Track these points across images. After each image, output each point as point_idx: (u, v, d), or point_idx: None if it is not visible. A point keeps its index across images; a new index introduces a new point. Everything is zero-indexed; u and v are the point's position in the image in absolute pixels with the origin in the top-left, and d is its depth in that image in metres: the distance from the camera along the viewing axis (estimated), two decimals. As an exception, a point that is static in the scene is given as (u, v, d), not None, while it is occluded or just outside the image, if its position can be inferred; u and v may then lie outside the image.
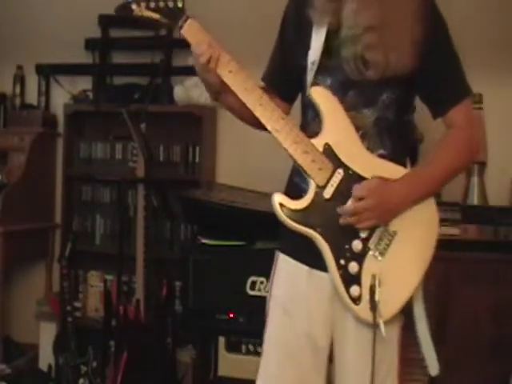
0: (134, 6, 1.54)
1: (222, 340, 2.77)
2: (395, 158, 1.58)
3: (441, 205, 2.75)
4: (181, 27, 1.54)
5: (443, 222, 2.67)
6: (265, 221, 2.64)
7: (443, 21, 1.59)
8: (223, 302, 2.73)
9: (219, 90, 1.62)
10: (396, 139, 1.59)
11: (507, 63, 3.13)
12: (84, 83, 3.67)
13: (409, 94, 1.61)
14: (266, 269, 2.67)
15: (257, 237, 2.73)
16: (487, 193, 3.09)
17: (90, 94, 3.62)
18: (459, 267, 2.63)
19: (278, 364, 1.63)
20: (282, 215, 1.52)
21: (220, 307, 2.73)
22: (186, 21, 1.54)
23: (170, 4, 1.53)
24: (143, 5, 1.54)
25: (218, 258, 2.75)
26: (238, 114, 1.70)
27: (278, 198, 1.53)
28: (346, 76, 1.54)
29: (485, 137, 3.14)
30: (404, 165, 1.61)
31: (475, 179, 3.10)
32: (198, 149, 3.43)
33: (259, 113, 1.53)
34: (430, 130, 2.66)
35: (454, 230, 2.69)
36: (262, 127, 1.62)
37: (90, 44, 3.64)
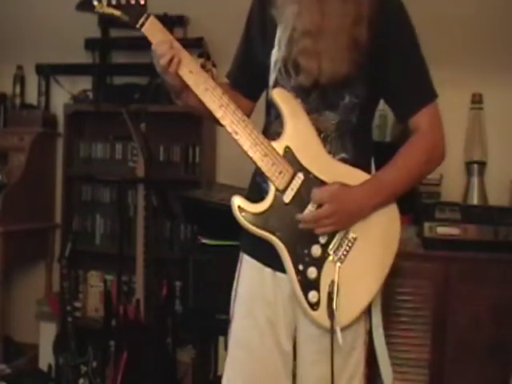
0: (95, 3, 1.52)
1: (222, 340, 2.78)
2: (357, 162, 1.56)
3: (441, 205, 2.79)
4: (142, 25, 1.51)
5: (443, 221, 2.68)
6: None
7: (403, 23, 1.55)
8: (223, 302, 2.72)
9: (180, 90, 1.59)
10: (358, 143, 1.57)
11: (507, 63, 3.13)
12: (84, 83, 3.66)
13: (372, 97, 1.59)
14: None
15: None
16: (487, 193, 3.09)
17: (90, 94, 3.61)
18: (459, 267, 2.63)
19: (243, 365, 1.63)
20: (241, 219, 1.51)
21: (220, 307, 2.72)
22: (147, 19, 1.51)
23: (132, 1, 1.50)
24: (105, 1, 1.52)
25: (217, 258, 2.75)
26: (199, 113, 1.68)
27: (237, 201, 1.52)
28: (298, 83, 1.52)
29: (485, 137, 3.14)
30: (367, 169, 1.59)
31: (475, 179, 3.10)
32: (197, 149, 3.43)
33: (219, 114, 1.51)
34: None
35: (454, 230, 2.68)
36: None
37: (89, 44, 3.64)
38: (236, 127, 1.51)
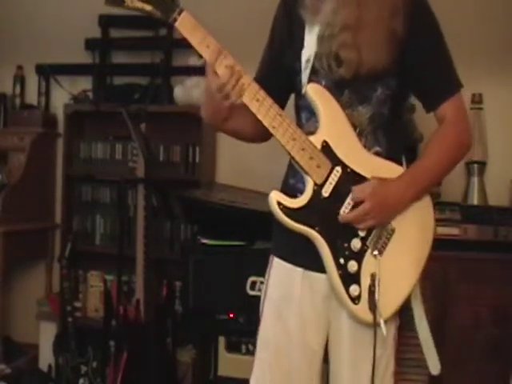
0: None
1: (222, 340, 2.77)
2: (390, 155, 1.58)
3: (441, 205, 2.78)
4: (174, 20, 1.47)
5: (443, 221, 2.68)
6: (265, 221, 2.65)
7: (430, 15, 1.59)
8: (223, 301, 2.73)
9: (229, 116, 1.59)
10: (391, 137, 1.59)
11: (507, 63, 3.13)
12: (84, 83, 3.67)
13: (403, 89, 1.61)
14: (266, 269, 2.67)
15: (257, 237, 2.73)
16: (487, 193, 3.09)
17: (90, 94, 3.62)
18: (459, 267, 2.63)
19: (271, 366, 1.63)
20: (280, 213, 1.49)
21: (220, 307, 2.73)
22: (179, 14, 1.47)
23: None
24: None
25: (217, 258, 2.75)
26: (239, 135, 1.71)
27: (276, 196, 1.50)
28: (339, 75, 1.54)
29: (485, 137, 3.14)
30: (399, 163, 1.61)
31: (475, 179, 3.10)
32: (197, 149, 3.42)
33: (255, 108, 1.49)
34: (429, 130, 2.66)
35: (454, 230, 2.68)
36: (260, 140, 1.67)
37: (90, 44, 3.64)
38: (273, 121, 1.50)
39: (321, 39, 1.54)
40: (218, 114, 1.59)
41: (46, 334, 3.48)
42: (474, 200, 3.06)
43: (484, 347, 2.60)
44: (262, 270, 2.64)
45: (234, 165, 3.50)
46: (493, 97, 3.12)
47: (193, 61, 3.36)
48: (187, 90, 3.37)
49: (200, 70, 3.16)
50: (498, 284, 2.61)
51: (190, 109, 3.32)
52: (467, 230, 2.68)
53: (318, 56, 1.55)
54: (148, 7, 1.47)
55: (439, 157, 1.58)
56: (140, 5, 1.46)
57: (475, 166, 3.11)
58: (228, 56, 1.48)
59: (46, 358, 3.40)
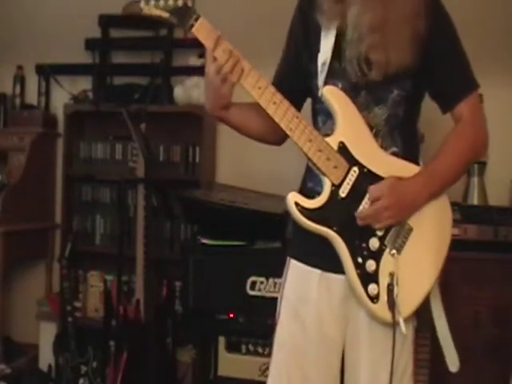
0: (142, 5, 1.51)
1: (222, 340, 2.78)
2: (407, 155, 1.59)
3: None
4: (191, 26, 1.50)
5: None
6: (265, 221, 2.66)
7: (447, 16, 1.60)
8: (223, 302, 2.73)
9: (228, 104, 1.60)
10: (406, 137, 1.61)
11: (507, 63, 3.13)
12: (84, 83, 3.67)
13: (418, 90, 1.62)
14: (265, 269, 2.68)
15: (257, 237, 2.74)
16: (487, 193, 3.08)
17: (90, 94, 3.62)
18: (459, 267, 2.63)
19: (287, 365, 1.63)
20: (298, 214, 1.50)
21: (220, 307, 2.73)
22: (196, 20, 1.51)
23: (180, 3, 1.50)
24: (152, 3, 1.51)
25: (218, 258, 2.75)
26: (243, 129, 1.71)
27: (294, 197, 1.51)
28: (371, 79, 1.54)
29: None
30: (416, 162, 1.61)
31: (475, 179, 3.09)
32: (197, 149, 3.42)
33: (272, 111, 1.51)
34: (430, 131, 2.66)
35: (454, 230, 2.66)
36: (268, 140, 1.68)
37: (90, 44, 3.65)
38: (290, 123, 1.52)
39: (349, 42, 1.55)
40: (218, 100, 1.60)
41: (46, 334, 3.48)
42: (474, 200, 3.06)
43: (484, 347, 2.60)
44: (262, 270, 2.66)
45: (234, 165, 3.50)
46: (493, 97, 3.11)
47: (193, 61, 3.36)
48: (187, 90, 3.37)
49: (200, 70, 3.16)
50: (498, 284, 2.61)
51: (190, 109, 3.32)
52: (467, 229, 2.68)
53: (348, 60, 1.55)
54: (165, 14, 1.52)
55: (456, 156, 1.59)
56: (158, 12, 1.51)
57: (475, 165, 3.10)
58: (227, 43, 1.51)
59: (46, 357, 3.40)
